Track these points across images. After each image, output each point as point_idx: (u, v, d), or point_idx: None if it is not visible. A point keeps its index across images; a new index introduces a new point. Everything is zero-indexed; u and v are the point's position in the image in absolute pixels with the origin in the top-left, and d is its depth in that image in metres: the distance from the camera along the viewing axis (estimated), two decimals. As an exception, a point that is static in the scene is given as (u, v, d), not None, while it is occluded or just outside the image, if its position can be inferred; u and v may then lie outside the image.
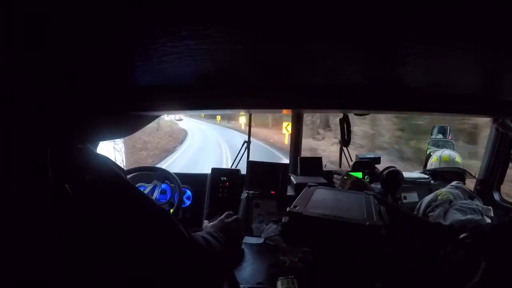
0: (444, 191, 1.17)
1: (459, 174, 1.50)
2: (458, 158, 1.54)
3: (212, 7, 0.19)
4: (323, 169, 1.46)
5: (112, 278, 0.47)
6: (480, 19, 0.20)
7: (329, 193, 0.94)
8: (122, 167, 1.40)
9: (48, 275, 0.40)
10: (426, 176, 1.51)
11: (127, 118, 0.55)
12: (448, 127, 1.80)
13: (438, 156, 1.58)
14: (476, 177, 1.46)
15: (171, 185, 1.29)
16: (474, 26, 0.22)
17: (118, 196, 0.53)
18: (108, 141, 1.31)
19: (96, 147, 0.74)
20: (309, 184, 1.00)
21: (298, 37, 0.24)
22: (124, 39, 0.25)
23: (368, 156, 1.56)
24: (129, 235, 0.52)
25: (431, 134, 1.83)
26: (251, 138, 1.63)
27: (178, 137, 13.80)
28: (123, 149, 1.29)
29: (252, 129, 1.65)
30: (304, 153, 1.68)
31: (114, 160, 0.58)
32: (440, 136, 1.81)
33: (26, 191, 0.38)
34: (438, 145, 1.75)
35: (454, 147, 1.72)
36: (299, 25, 0.22)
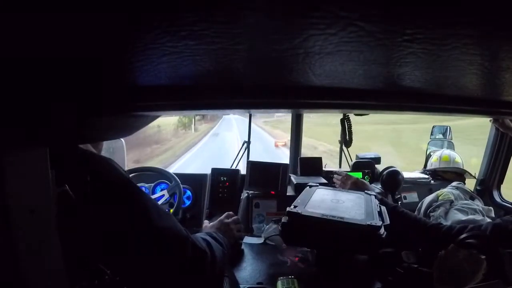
0: (445, 192, 1.17)
1: (459, 174, 1.50)
2: (458, 158, 1.54)
3: (212, 6, 0.19)
4: (323, 169, 1.46)
5: (112, 280, 0.47)
6: (480, 17, 0.20)
7: (329, 193, 0.94)
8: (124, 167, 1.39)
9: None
10: (426, 176, 1.51)
11: (127, 118, 0.55)
12: (448, 127, 1.80)
13: (438, 156, 1.58)
14: (476, 177, 1.46)
15: (172, 185, 1.29)
16: (474, 25, 0.22)
17: (123, 196, 0.53)
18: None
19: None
20: (310, 184, 1.00)
21: (299, 37, 0.24)
22: (124, 39, 0.25)
23: (368, 156, 1.56)
24: (131, 234, 0.52)
25: (431, 134, 1.83)
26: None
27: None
28: (124, 148, 1.28)
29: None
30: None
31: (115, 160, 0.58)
32: (440, 136, 1.81)
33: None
34: (438, 145, 1.75)
35: (454, 147, 1.72)
36: (299, 24, 0.22)
